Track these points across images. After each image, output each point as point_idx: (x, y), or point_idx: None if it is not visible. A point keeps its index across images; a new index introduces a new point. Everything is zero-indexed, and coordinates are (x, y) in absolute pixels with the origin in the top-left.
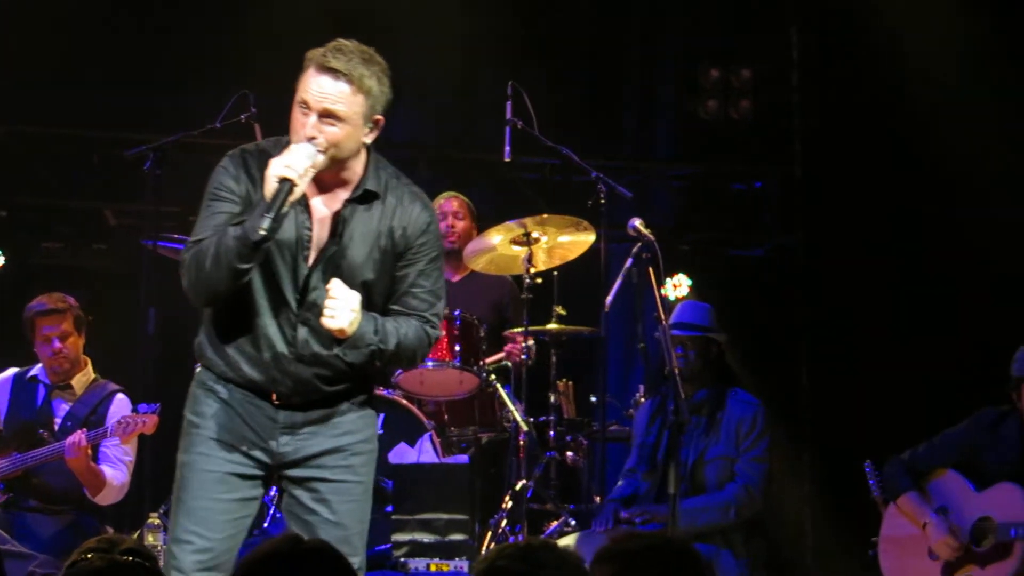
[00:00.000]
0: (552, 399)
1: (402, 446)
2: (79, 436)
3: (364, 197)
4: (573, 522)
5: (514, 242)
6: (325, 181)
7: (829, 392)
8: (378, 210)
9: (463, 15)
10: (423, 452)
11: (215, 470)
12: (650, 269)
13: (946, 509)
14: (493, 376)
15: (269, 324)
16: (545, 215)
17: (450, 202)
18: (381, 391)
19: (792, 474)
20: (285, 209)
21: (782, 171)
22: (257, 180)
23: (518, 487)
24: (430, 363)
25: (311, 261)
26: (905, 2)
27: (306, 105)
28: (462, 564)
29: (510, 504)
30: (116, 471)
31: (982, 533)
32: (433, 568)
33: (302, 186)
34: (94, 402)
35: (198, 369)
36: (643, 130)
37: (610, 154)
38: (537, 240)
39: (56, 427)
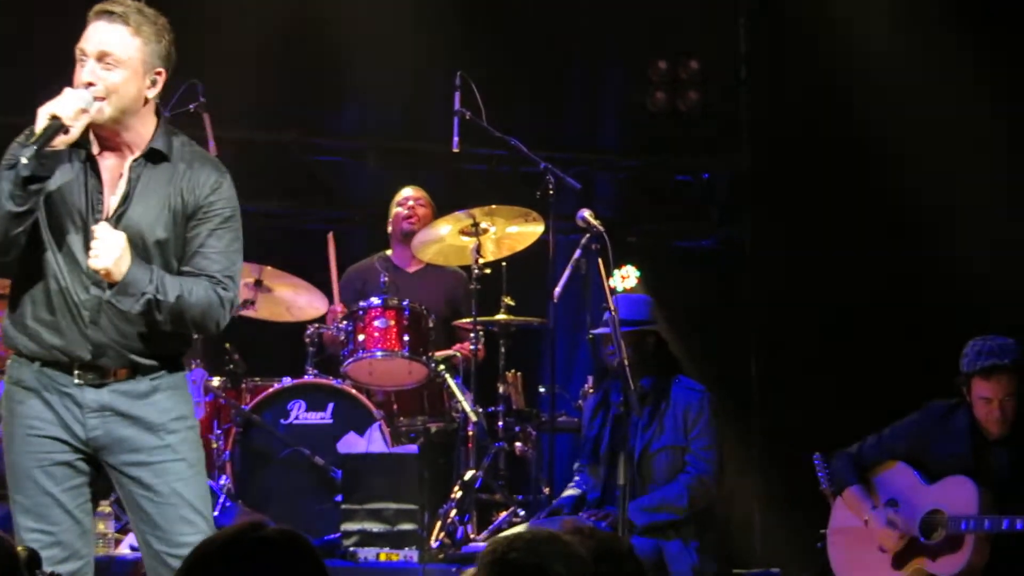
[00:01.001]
0: (501, 390)
1: (351, 436)
2: None
3: (152, 156)
4: (522, 512)
5: (463, 232)
6: (112, 141)
7: (778, 383)
8: (167, 171)
9: (411, 7)
10: (372, 442)
11: (40, 466)
12: (599, 260)
13: (896, 502)
14: (442, 367)
15: (65, 288)
16: (493, 206)
17: (411, 189)
18: (330, 381)
19: (741, 466)
20: (52, 147)
21: (730, 162)
22: None
23: (467, 477)
24: (379, 353)
25: (101, 219)
26: None
27: (83, 53)
28: (411, 554)
29: (459, 494)
30: None
31: (932, 526)
32: (383, 557)
33: (76, 129)
34: None
35: (9, 360)
36: (591, 122)
37: (558, 145)
38: (486, 231)
39: None
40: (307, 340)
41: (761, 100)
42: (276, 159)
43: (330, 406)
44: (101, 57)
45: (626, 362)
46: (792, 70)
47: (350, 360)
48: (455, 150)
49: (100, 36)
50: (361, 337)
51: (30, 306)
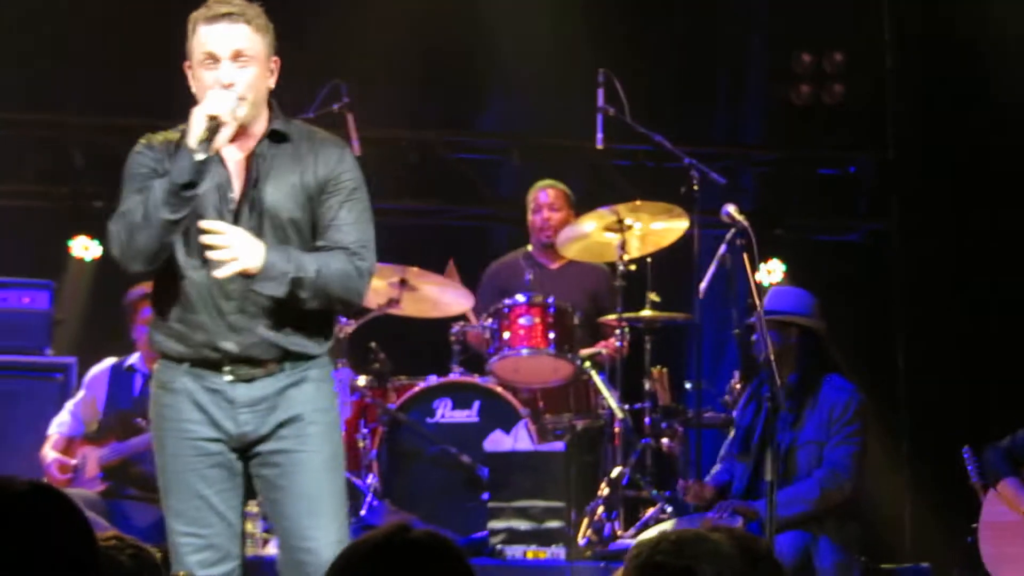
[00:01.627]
0: (647, 386)
1: (497, 433)
2: None
3: (274, 138)
4: (669, 509)
5: (607, 229)
6: (237, 133)
7: (926, 378)
8: (291, 150)
9: (553, 3)
10: (518, 439)
11: (191, 469)
12: (744, 255)
13: None
14: (588, 363)
15: (206, 284)
16: (638, 202)
17: (545, 192)
18: (477, 379)
19: (890, 461)
20: (215, 147)
21: (876, 155)
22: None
23: (614, 474)
24: (525, 350)
25: (234, 208)
26: None
27: (213, 57)
28: (559, 551)
29: (606, 491)
30: None
31: None
32: (530, 555)
33: (229, 129)
34: None
35: (155, 366)
36: (735, 116)
37: (703, 140)
38: (630, 227)
39: None
40: (452, 338)
41: (907, 91)
42: (420, 158)
43: (476, 404)
44: (235, 57)
45: (772, 357)
46: (938, 60)
47: (496, 358)
48: (599, 147)
49: (229, 37)
50: (507, 335)
51: (173, 307)
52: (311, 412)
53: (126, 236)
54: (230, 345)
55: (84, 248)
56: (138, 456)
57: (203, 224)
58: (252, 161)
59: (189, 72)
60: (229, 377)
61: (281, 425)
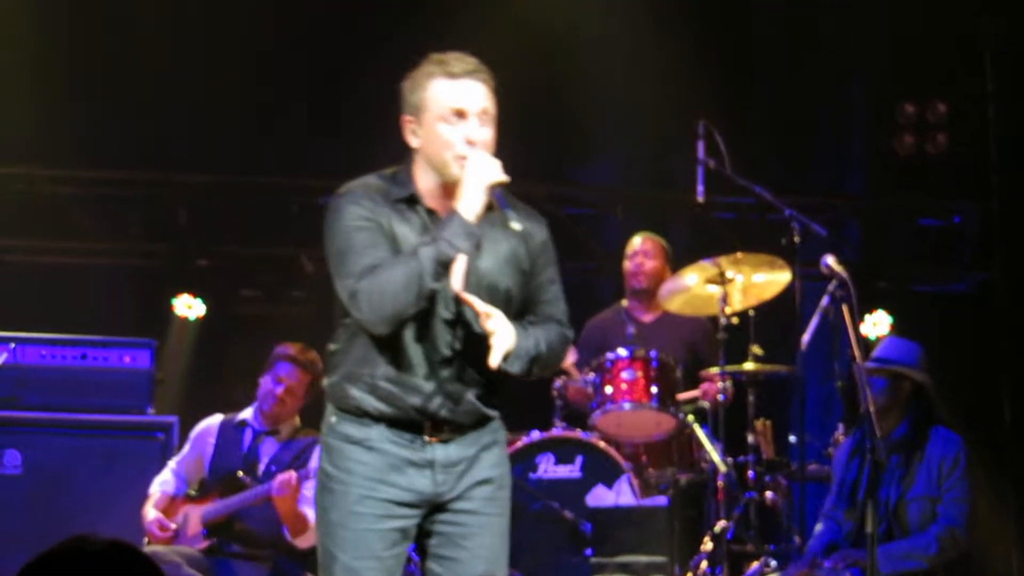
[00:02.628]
0: (750, 439)
1: (600, 488)
2: (289, 475)
3: (489, 208)
4: (773, 563)
5: (709, 282)
6: (448, 193)
7: None
8: (495, 218)
9: (654, 57)
10: (621, 494)
11: (375, 528)
12: (844, 306)
13: None
14: (691, 417)
15: (426, 347)
16: (740, 254)
17: (643, 241)
18: (579, 434)
19: (997, 517)
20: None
21: (980, 205)
22: (384, 208)
23: (717, 528)
24: (627, 405)
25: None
26: None
27: (461, 114)
28: None
29: (710, 545)
30: None
31: None
32: None
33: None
34: (299, 448)
35: (333, 419)
36: (838, 167)
37: (805, 192)
38: (732, 280)
39: (260, 471)
40: (554, 394)
41: (1010, 140)
42: None
43: (579, 459)
44: (483, 114)
45: (872, 409)
46: None
47: (598, 412)
48: (700, 199)
49: (477, 95)
50: (609, 389)
51: (384, 367)
52: (500, 476)
53: (379, 299)
54: (444, 412)
55: (187, 307)
56: (243, 512)
57: (469, 299)
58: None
59: (410, 126)
60: (428, 438)
61: (474, 486)
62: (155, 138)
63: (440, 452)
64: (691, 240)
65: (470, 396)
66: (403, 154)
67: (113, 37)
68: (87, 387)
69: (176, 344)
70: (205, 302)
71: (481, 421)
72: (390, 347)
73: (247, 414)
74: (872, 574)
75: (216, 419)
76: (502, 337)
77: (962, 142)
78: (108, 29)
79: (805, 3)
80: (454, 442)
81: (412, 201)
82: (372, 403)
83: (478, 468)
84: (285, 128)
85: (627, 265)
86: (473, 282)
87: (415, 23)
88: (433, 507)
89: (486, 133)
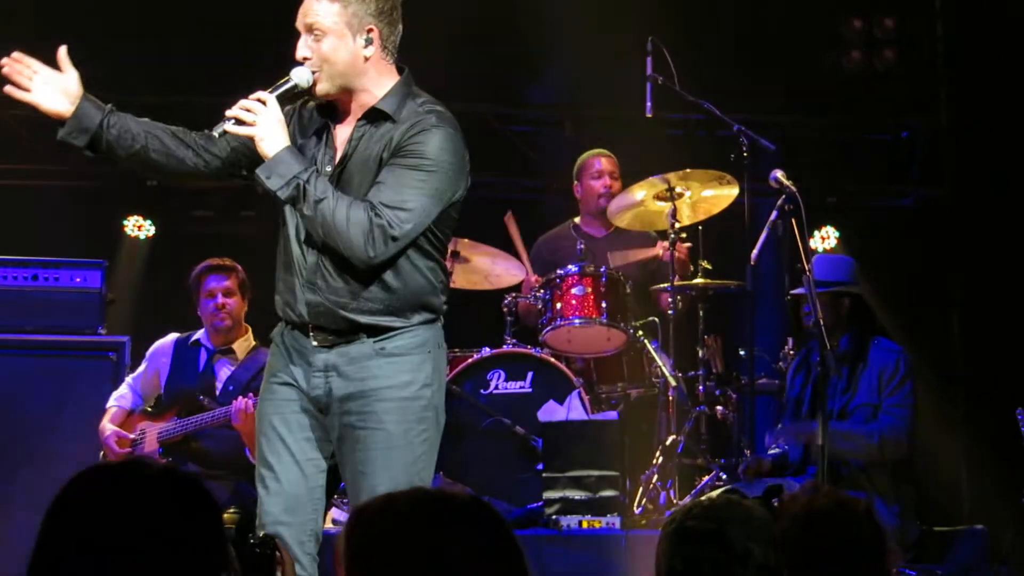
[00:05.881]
0: (700, 354)
1: (551, 404)
2: (246, 403)
3: (373, 117)
4: (724, 476)
5: (658, 197)
6: (347, 107)
7: (981, 342)
8: (389, 130)
9: None
10: (572, 409)
11: (277, 412)
12: (793, 220)
13: None
14: (641, 332)
15: (295, 251)
16: (688, 170)
17: (600, 160)
18: (530, 350)
19: (945, 425)
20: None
21: (928, 120)
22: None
23: (668, 442)
24: (577, 320)
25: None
26: None
27: (297, 30)
28: (614, 520)
29: (660, 459)
30: None
31: None
32: (585, 524)
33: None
34: (256, 367)
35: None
36: (786, 83)
37: (754, 108)
38: (681, 195)
39: (217, 392)
40: (505, 310)
41: (958, 56)
42: (472, 131)
43: (530, 375)
44: (309, 30)
45: (821, 322)
46: (989, 24)
47: (548, 328)
48: (649, 115)
49: (304, 10)
50: (559, 305)
51: (278, 270)
52: (380, 389)
53: None
54: (302, 311)
55: (137, 227)
56: (200, 432)
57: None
58: (349, 139)
59: None
60: (313, 342)
61: (352, 400)
62: (105, 59)
63: (320, 356)
64: (640, 156)
65: (327, 301)
66: None
67: None
68: (38, 307)
69: (127, 264)
70: (155, 223)
71: (360, 328)
72: (283, 250)
73: (200, 334)
74: (822, 474)
75: (171, 338)
76: (246, 114)
77: (910, 57)
78: None
79: None
80: (336, 349)
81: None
82: (277, 303)
83: (352, 379)
84: (232, 48)
85: (592, 185)
86: (341, 189)
87: None
88: (320, 409)
89: (315, 48)
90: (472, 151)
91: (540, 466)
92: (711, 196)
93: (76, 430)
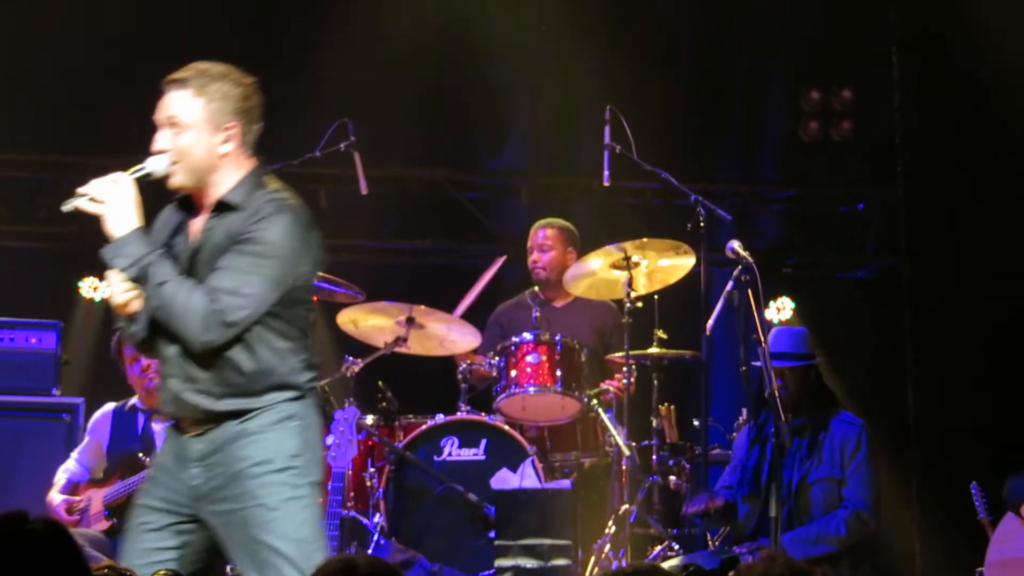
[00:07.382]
0: (654, 423)
1: (504, 472)
2: None
3: (222, 208)
4: (677, 546)
5: (614, 266)
6: (202, 201)
7: (936, 414)
8: (232, 219)
9: (561, 41)
10: (525, 477)
11: (142, 502)
12: (749, 291)
13: None
14: (595, 401)
15: (160, 344)
16: (645, 239)
17: (540, 232)
18: (484, 417)
19: (900, 497)
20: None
21: (885, 192)
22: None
23: (621, 511)
24: (532, 388)
25: None
26: (1009, 20)
27: (157, 123)
28: None
29: (613, 529)
30: None
31: None
32: None
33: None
34: None
35: None
36: (744, 153)
37: (712, 178)
38: (637, 264)
39: (158, 450)
40: (459, 377)
41: (915, 129)
42: (428, 197)
43: (483, 442)
44: (169, 123)
45: (776, 394)
46: (946, 98)
47: (503, 396)
48: (606, 184)
49: (166, 103)
50: (514, 373)
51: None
52: (248, 468)
53: None
54: (170, 401)
55: (93, 288)
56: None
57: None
58: (203, 230)
59: None
60: (187, 433)
61: (224, 484)
62: (62, 121)
63: (194, 446)
64: (597, 225)
65: (189, 394)
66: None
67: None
68: None
69: (82, 326)
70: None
71: (212, 416)
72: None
73: (135, 399)
74: (775, 541)
75: (108, 407)
76: (92, 189)
77: (867, 129)
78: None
79: None
80: (204, 436)
81: None
82: (159, 401)
83: (221, 464)
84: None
85: (530, 258)
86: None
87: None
88: (196, 500)
89: (173, 142)
90: (428, 217)
91: (493, 534)
92: (667, 266)
93: (28, 491)
